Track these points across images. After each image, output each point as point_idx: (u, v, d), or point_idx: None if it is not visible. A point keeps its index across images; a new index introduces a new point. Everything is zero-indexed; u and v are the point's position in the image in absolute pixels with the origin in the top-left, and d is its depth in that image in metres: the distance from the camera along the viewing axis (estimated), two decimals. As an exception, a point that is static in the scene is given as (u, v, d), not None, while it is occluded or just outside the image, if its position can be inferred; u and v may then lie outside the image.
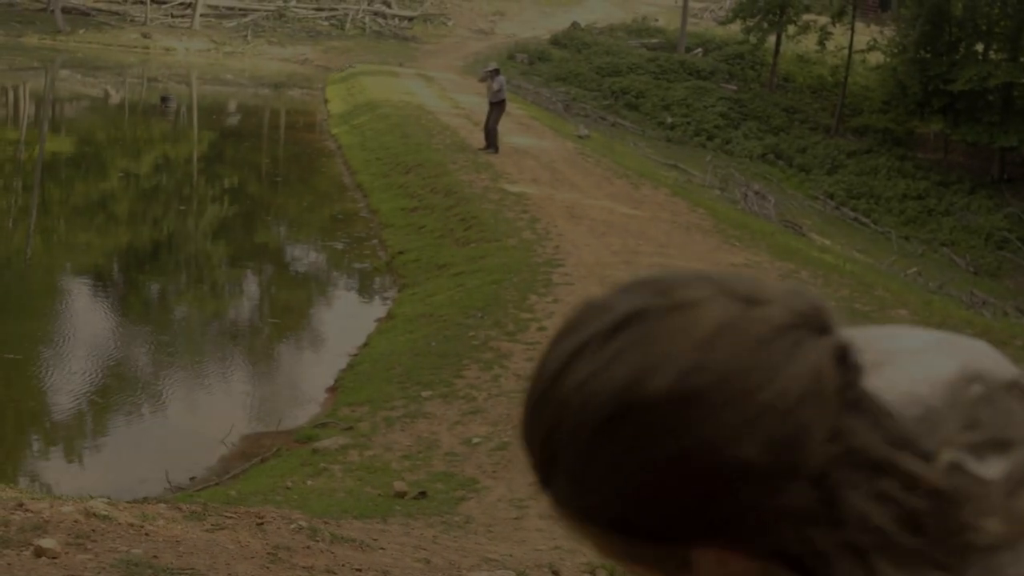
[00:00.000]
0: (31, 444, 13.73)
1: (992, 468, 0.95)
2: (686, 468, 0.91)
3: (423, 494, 11.38)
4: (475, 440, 12.94)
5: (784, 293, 0.95)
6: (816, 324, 0.93)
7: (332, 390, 15.51)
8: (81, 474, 12.60)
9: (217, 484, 12.12)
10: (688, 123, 45.48)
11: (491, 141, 28.10)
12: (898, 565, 0.91)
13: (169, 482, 12.28)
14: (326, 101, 43.45)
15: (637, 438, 0.92)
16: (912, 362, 1.00)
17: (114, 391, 15.11)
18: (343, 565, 6.87)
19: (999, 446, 0.96)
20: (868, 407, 0.93)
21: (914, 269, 28.88)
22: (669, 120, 45.67)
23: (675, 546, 0.96)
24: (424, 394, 14.39)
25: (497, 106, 27.67)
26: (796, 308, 0.94)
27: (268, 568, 6.52)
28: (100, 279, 20.39)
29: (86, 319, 17.65)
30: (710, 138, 44.32)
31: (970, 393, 0.98)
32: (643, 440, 0.92)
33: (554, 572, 7.61)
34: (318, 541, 7.26)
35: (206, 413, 14.64)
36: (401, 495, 11.32)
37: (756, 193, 31.98)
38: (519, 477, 11.73)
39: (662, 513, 0.93)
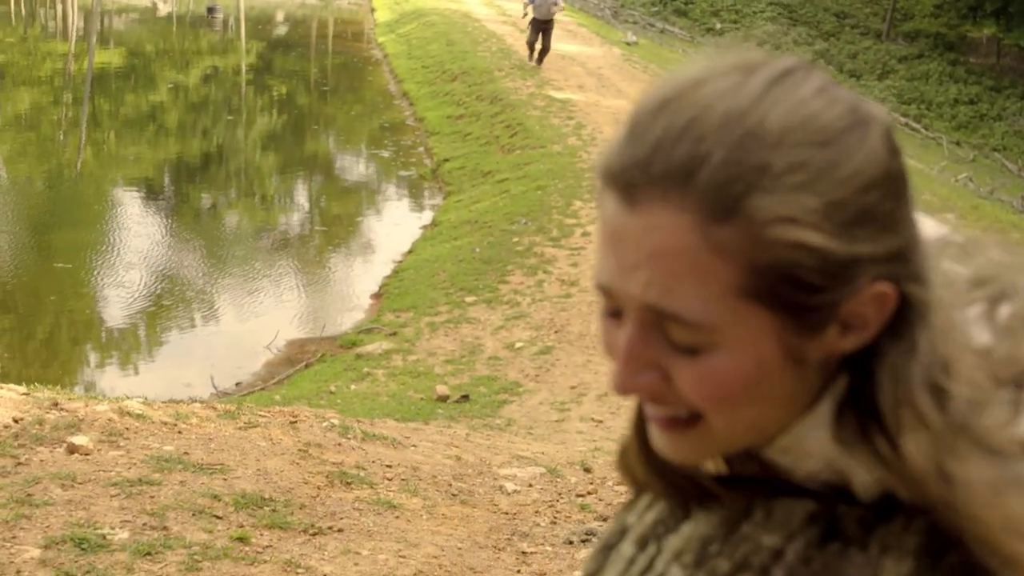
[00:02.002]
0: (81, 351, 13.89)
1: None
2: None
3: (465, 397, 11.42)
4: (518, 344, 12.95)
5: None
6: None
7: (377, 296, 15.56)
8: (128, 380, 12.75)
9: (262, 389, 12.22)
10: (737, 29, 44.83)
11: (540, 57, 26.66)
12: None
13: (215, 387, 12.40)
14: (373, 10, 43.20)
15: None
16: None
17: (163, 299, 15.24)
18: (373, 461, 6.91)
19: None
20: None
21: (965, 175, 28.43)
22: (718, 26, 45.05)
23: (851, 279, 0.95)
24: (468, 299, 14.40)
25: (543, 24, 25.74)
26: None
27: (298, 464, 6.57)
28: (150, 190, 20.50)
29: (136, 229, 17.77)
30: (760, 44, 43.58)
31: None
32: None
33: (585, 469, 7.62)
34: (349, 439, 7.30)
35: (253, 320, 14.75)
36: (444, 399, 11.37)
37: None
38: (561, 380, 11.75)
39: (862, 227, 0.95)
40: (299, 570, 5.18)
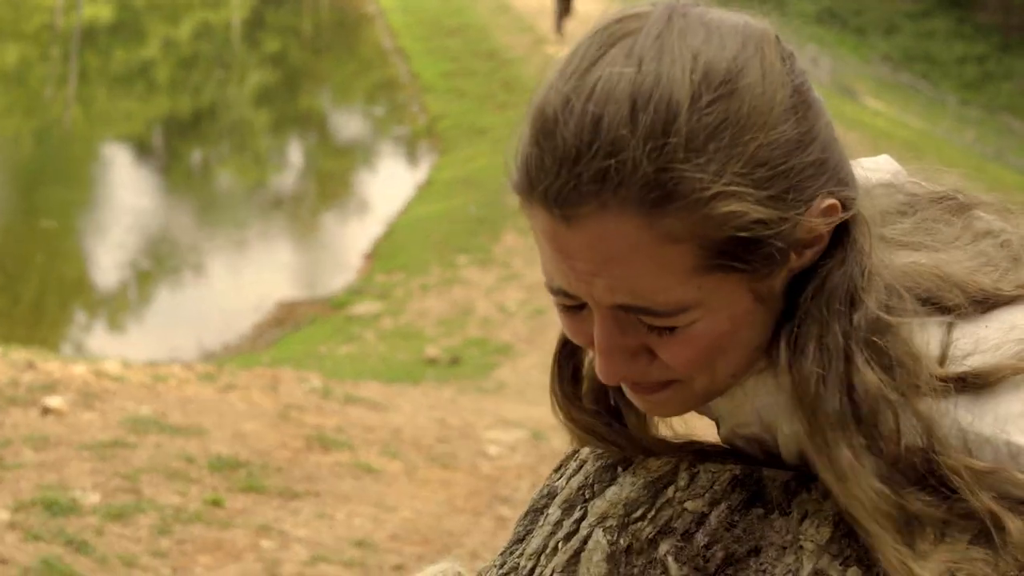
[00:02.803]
0: (68, 311, 13.79)
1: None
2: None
3: (456, 360, 11.33)
4: (510, 306, 12.86)
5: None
6: None
7: (368, 257, 15.46)
8: (115, 341, 12.65)
9: (250, 351, 12.13)
10: (745, -14, 44.53)
11: (559, 22, 24.03)
12: None
13: (202, 349, 12.30)
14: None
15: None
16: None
17: (152, 259, 15.15)
18: (354, 424, 6.83)
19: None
20: None
21: (971, 135, 28.29)
22: (731, -16, 44.78)
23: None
24: (460, 260, 14.31)
25: None
26: None
27: (276, 427, 6.48)
28: (140, 148, 20.38)
29: (125, 188, 17.66)
30: (763, 1, 43.41)
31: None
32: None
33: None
34: (330, 401, 7.21)
35: (242, 281, 14.65)
36: (433, 361, 11.29)
37: (810, 58, 31.44)
38: (554, 341, 11.63)
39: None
40: (272, 534, 5.10)
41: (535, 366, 11.07)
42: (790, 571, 1.00)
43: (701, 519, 1.05)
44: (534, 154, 0.94)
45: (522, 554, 1.15)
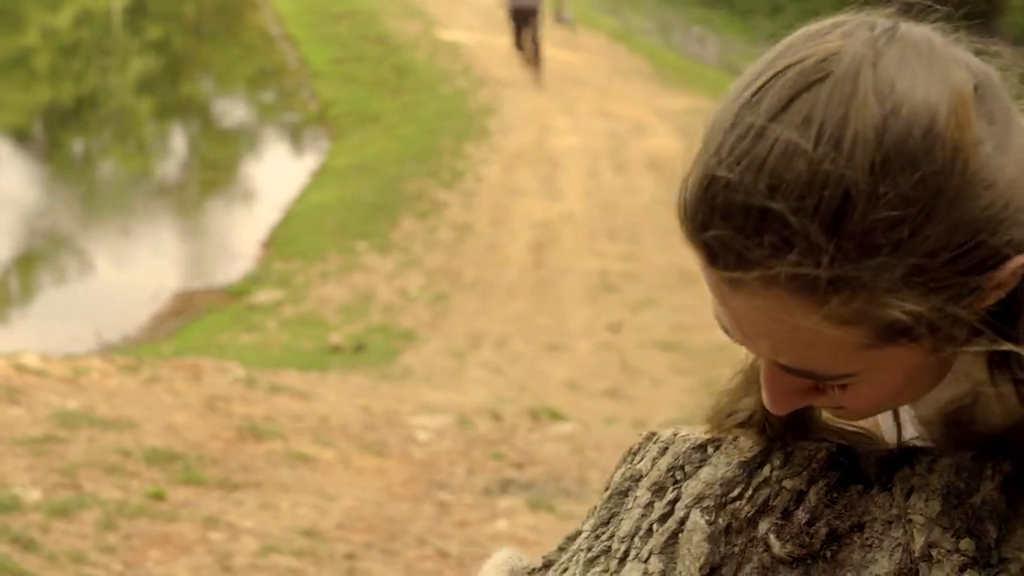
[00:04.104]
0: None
1: None
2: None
3: (360, 347, 11.30)
4: (412, 292, 12.86)
5: None
6: None
7: (265, 245, 15.32)
8: (7, 335, 12.37)
9: (150, 342, 11.96)
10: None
11: (533, 58, 20.13)
12: None
13: (101, 340, 12.09)
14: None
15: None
16: None
17: (40, 251, 14.83)
18: (281, 413, 6.79)
19: None
20: None
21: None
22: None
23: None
24: (359, 246, 14.24)
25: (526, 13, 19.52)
26: None
27: (205, 418, 6.43)
28: (21, 137, 19.91)
29: (6, 178, 17.23)
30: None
31: None
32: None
33: (495, 416, 7.58)
34: (255, 391, 7.16)
35: (137, 272, 14.40)
36: (337, 348, 11.24)
37: (697, 38, 31.72)
38: (457, 327, 11.69)
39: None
40: (220, 526, 5.07)
41: (439, 352, 11.10)
42: (899, 544, 1.00)
43: (800, 497, 1.05)
44: (700, 214, 0.90)
45: (612, 536, 1.14)
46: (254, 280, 13.70)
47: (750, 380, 1.11)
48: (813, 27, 0.96)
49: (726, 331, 0.97)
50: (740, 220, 0.87)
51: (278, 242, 15.13)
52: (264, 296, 13.06)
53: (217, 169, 19.46)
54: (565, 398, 9.16)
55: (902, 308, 0.87)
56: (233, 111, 23.72)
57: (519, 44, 19.54)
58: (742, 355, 1.11)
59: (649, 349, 11.22)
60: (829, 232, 0.85)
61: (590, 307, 12.48)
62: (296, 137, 21.32)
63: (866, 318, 0.88)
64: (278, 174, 18.59)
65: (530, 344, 11.29)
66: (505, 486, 6.08)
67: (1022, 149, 0.91)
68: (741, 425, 1.12)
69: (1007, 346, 0.92)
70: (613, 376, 10.42)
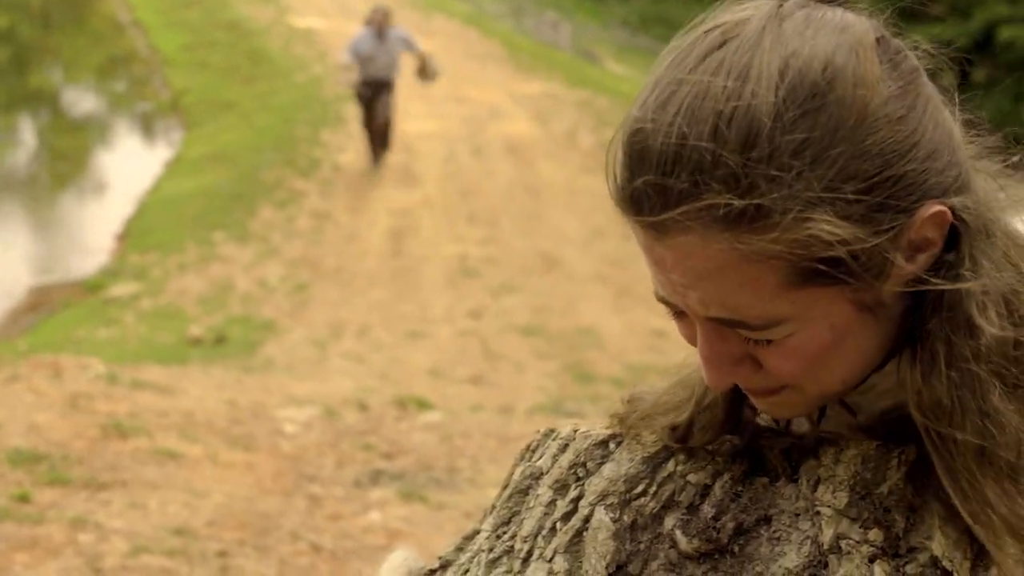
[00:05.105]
0: None
1: None
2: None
3: (221, 339, 11.21)
4: (272, 282, 12.79)
5: None
6: None
7: (120, 237, 15.07)
8: None
9: (5, 338, 11.71)
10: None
11: (379, 144, 15.99)
12: None
13: (-48, 337, 11.81)
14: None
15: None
16: None
17: None
18: (145, 410, 6.72)
19: None
20: None
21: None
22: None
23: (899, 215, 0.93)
24: (216, 237, 14.11)
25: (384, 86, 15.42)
26: None
27: (68, 416, 6.34)
28: None
29: None
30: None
31: None
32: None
33: (362, 407, 7.60)
34: (118, 387, 7.09)
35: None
36: (197, 341, 11.14)
37: (550, 24, 31.87)
38: (318, 317, 11.66)
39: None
40: (88, 527, 5.02)
41: (301, 342, 11.06)
42: (808, 537, 1.00)
43: (705, 491, 1.06)
44: (625, 167, 0.95)
45: (514, 536, 1.13)
46: (110, 273, 13.49)
47: (687, 390, 1.12)
48: (730, 3, 1.00)
49: (664, 302, 1.00)
50: (661, 161, 0.91)
51: (134, 234, 14.90)
52: (121, 289, 12.86)
53: (68, 161, 19.07)
54: (429, 385, 9.20)
55: (820, 226, 0.90)
56: (83, 101, 23.24)
57: (368, 123, 15.61)
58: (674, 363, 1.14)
59: (511, 334, 11.32)
60: (742, 158, 0.89)
61: (451, 293, 12.54)
62: (149, 126, 20.98)
63: (783, 252, 0.91)
64: (131, 165, 18.28)
65: (392, 332, 11.31)
66: (376, 477, 6.11)
67: (936, 107, 0.96)
68: (677, 438, 1.11)
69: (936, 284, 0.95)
70: (476, 362, 10.50)
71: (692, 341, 1.02)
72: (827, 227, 0.90)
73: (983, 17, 20.33)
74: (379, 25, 14.93)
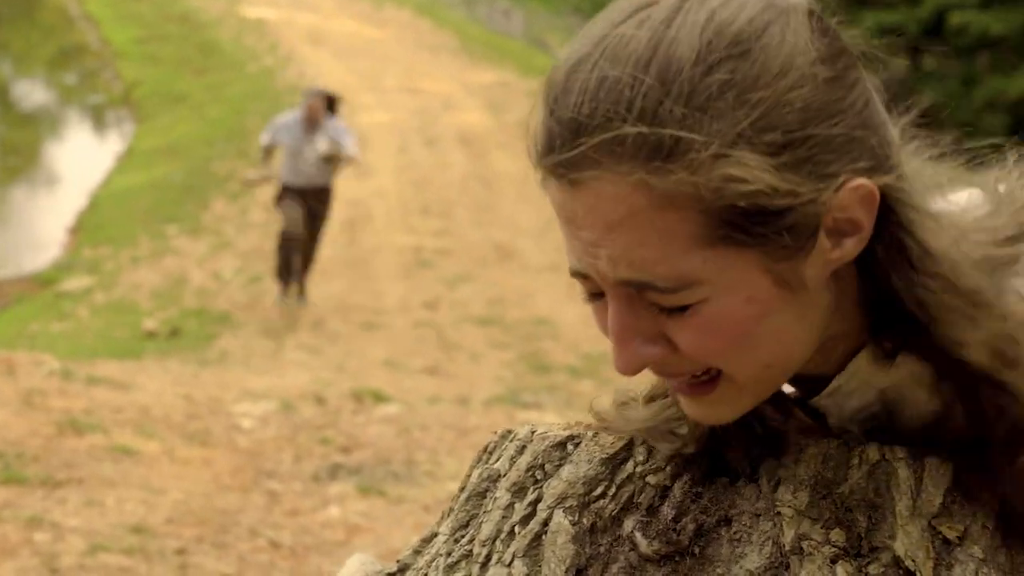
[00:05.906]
0: None
1: None
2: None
3: (175, 332, 11.18)
4: (226, 274, 12.75)
5: None
6: None
7: (73, 231, 14.99)
8: None
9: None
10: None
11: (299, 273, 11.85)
12: None
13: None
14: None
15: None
16: None
17: None
18: (101, 406, 6.69)
19: None
20: None
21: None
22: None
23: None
24: (170, 230, 14.05)
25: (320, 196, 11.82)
26: None
27: (22, 414, 6.29)
28: None
29: None
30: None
31: None
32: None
33: (319, 400, 7.58)
34: (73, 383, 7.04)
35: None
36: (152, 334, 11.10)
37: (502, 12, 31.86)
38: (274, 310, 11.62)
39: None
40: (44, 526, 4.98)
41: (256, 334, 11.03)
42: (769, 538, 0.99)
43: (665, 492, 1.03)
44: (543, 120, 0.92)
45: (472, 540, 1.10)
46: (63, 267, 13.43)
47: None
48: None
49: (578, 276, 0.96)
50: (578, 101, 0.89)
51: (86, 227, 14.83)
52: (74, 283, 12.81)
53: (19, 154, 18.92)
54: (385, 377, 9.20)
55: (736, 167, 0.87)
56: (34, 94, 23.07)
57: (289, 244, 11.45)
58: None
59: (466, 324, 11.33)
60: (660, 93, 0.87)
61: (406, 284, 12.54)
62: (100, 119, 20.86)
63: (696, 198, 0.88)
64: (83, 158, 18.18)
65: (346, 324, 11.30)
66: (334, 472, 6.10)
67: (867, 90, 0.94)
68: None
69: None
70: (431, 353, 10.51)
71: (606, 331, 0.97)
72: (743, 170, 0.87)
73: (934, 3, 20.45)
74: (314, 114, 11.40)
